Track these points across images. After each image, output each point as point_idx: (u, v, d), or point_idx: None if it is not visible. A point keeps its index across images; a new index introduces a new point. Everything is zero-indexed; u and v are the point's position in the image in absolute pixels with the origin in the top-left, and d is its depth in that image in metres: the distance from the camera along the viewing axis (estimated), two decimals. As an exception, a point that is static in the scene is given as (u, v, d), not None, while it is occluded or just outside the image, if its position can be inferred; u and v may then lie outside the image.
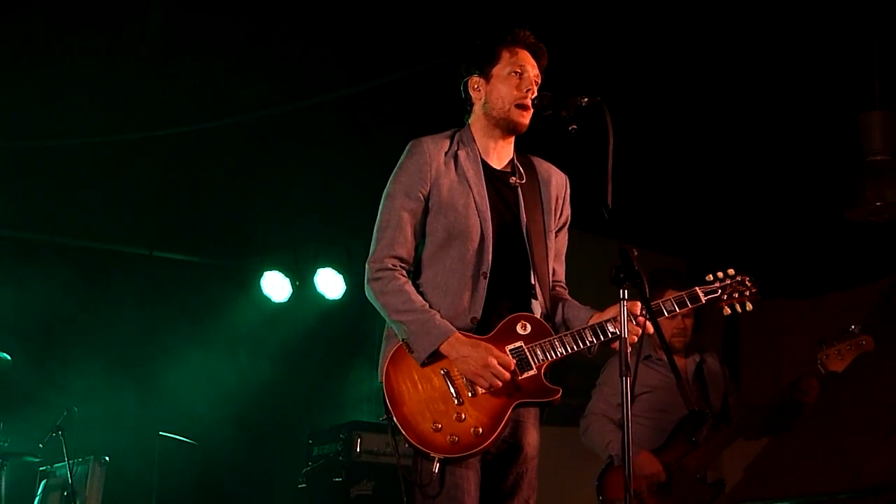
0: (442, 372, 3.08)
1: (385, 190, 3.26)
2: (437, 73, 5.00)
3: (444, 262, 3.18)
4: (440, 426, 3.02)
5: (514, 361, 3.08)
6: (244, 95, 6.03)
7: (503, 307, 3.17)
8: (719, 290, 3.26)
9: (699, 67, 5.57)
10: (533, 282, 3.24)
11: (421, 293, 3.16)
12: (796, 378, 4.59)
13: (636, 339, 2.99)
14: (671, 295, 3.25)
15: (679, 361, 4.89)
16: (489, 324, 3.14)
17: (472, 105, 3.35)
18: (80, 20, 5.26)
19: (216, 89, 5.93)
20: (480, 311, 3.14)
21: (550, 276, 3.31)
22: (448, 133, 3.33)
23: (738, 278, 3.29)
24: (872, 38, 4.94)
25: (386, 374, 3.11)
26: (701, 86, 5.75)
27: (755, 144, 6.30)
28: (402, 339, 3.11)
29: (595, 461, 5.00)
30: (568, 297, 3.36)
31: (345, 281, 7.78)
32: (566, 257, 3.45)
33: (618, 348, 2.83)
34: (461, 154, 3.26)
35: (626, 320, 2.79)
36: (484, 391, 3.05)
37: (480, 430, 3.02)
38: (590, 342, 3.12)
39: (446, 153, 3.25)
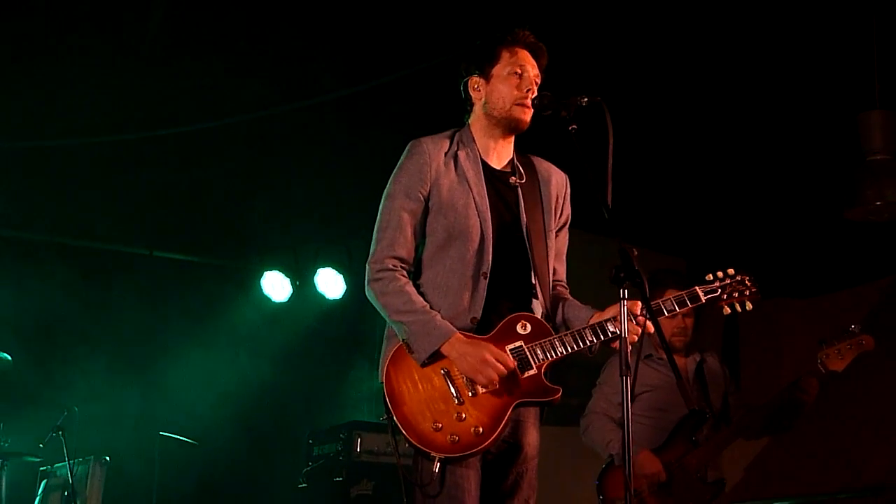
0: (442, 371, 3.08)
1: (385, 190, 3.26)
2: (437, 73, 5.00)
3: (445, 262, 3.18)
4: (440, 426, 3.02)
5: (513, 360, 3.07)
6: (244, 95, 6.03)
7: (503, 307, 3.17)
8: (719, 290, 3.27)
9: (699, 67, 5.57)
10: (533, 281, 3.24)
11: (421, 293, 3.16)
12: (796, 378, 4.60)
13: (636, 338, 2.99)
14: (672, 294, 3.26)
15: (679, 361, 4.90)
16: (489, 324, 3.14)
17: (472, 105, 3.35)
18: (80, 20, 5.25)
19: (216, 89, 5.93)
20: (480, 311, 3.14)
21: (551, 275, 3.31)
22: (448, 133, 3.33)
23: (738, 278, 3.29)
24: (872, 37, 4.94)
25: (386, 373, 3.11)
26: (701, 85, 5.75)
27: (755, 144, 6.30)
28: (403, 340, 3.11)
29: (595, 461, 5.00)
30: (569, 296, 3.36)
31: (345, 281, 7.78)
32: (566, 257, 3.45)
33: (618, 348, 2.83)
34: (461, 154, 3.26)
35: (626, 320, 2.79)
36: (484, 391, 3.05)
37: (481, 429, 3.02)
38: (590, 342, 3.12)
39: (446, 153, 3.25)
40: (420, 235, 3.22)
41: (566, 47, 4.02)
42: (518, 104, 3.23)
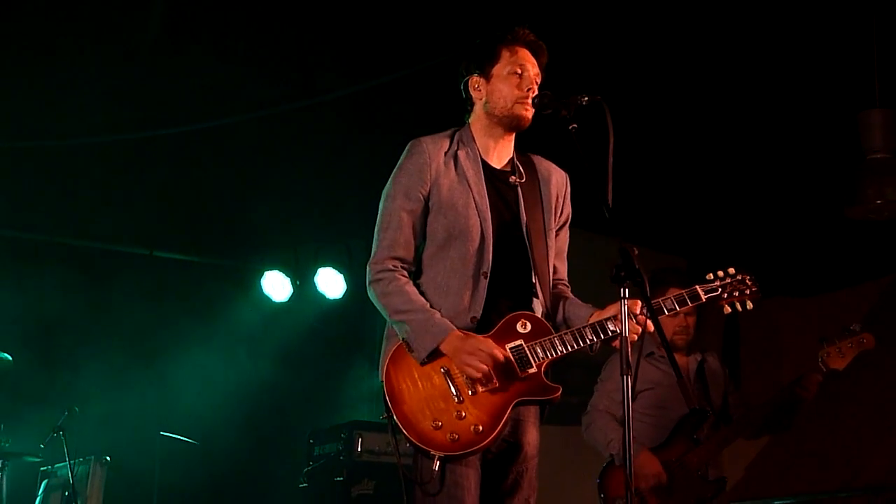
0: (442, 370, 3.08)
1: (385, 190, 3.26)
2: (438, 73, 4.99)
3: (445, 261, 3.18)
4: (440, 424, 3.02)
5: (505, 353, 3.07)
6: (244, 95, 6.03)
7: (504, 306, 3.17)
8: (719, 289, 3.26)
9: (699, 66, 5.57)
10: (533, 280, 3.24)
11: (422, 293, 3.16)
12: (797, 376, 4.60)
13: (636, 337, 2.99)
14: (674, 293, 3.26)
15: (681, 360, 4.90)
16: (490, 323, 3.14)
17: (472, 104, 3.34)
18: (80, 20, 5.26)
19: (216, 89, 5.93)
20: (481, 311, 3.14)
21: (551, 274, 3.31)
22: (448, 133, 3.33)
23: (739, 277, 3.29)
24: (872, 36, 4.94)
25: (386, 372, 3.11)
26: (701, 85, 5.75)
27: (756, 143, 6.30)
28: (403, 339, 3.11)
29: (596, 460, 5.00)
30: (570, 295, 3.36)
31: (345, 280, 7.78)
32: (567, 255, 3.45)
33: (618, 347, 2.83)
34: (461, 154, 3.26)
35: (626, 319, 2.79)
36: (484, 389, 3.05)
37: (480, 427, 3.02)
38: (590, 340, 3.12)
39: (446, 153, 3.25)
40: (420, 235, 3.22)
41: (566, 46, 4.02)
42: (518, 103, 3.23)
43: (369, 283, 3.19)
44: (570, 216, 3.43)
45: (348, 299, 7.75)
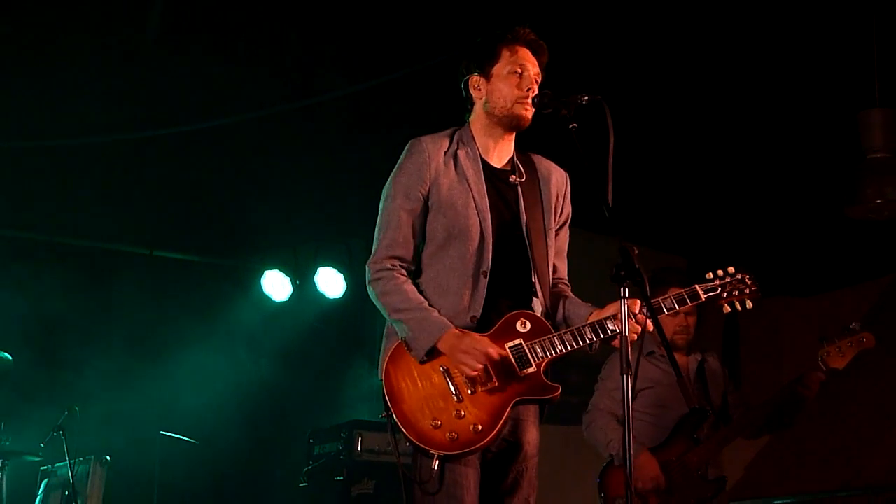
0: (441, 369, 3.08)
1: (384, 190, 3.26)
2: (438, 72, 5.00)
3: (445, 261, 3.18)
4: (439, 423, 3.02)
5: (500, 351, 3.06)
6: (244, 95, 6.03)
7: (503, 305, 3.17)
8: (719, 288, 3.26)
9: (699, 66, 5.57)
10: (533, 280, 3.24)
11: (422, 292, 3.16)
12: (797, 376, 4.60)
13: (636, 336, 2.99)
14: (674, 293, 3.26)
15: (681, 359, 4.90)
16: (489, 322, 3.14)
17: (472, 104, 3.34)
18: (80, 20, 5.26)
19: (216, 89, 5.93)
20: (480, 310, 3.14)
21: (551, 273, 3.31)
22: (448, 132, 3.33)
23: (738, 276, 3.28)
24: (872, 36, 4.94)
25: (386, 371, 3.11)
26: (701, 84, 5.75)
27: (755, 142, 6.30)
28: (402, 338, 3.11)
29: (596, 460, 5.00)
30: (570, 294, 3.35)
31: (345, 280, 7.78)
32: (567, 255, 3.45)
33: (618, 346, 2.83)
34: (461, 153, 3.26)
35: (626, 318, 2.79)
36: (483, 388, 3.05)
37: (480, 427, 3.02)
38: (589, 340, 3.11)
39: (446, 152, 3.25)
40: (420, 235, 3.22)
41: (567, 45, 4.02)
42: (518, 103, 3.22)
43: (368, 282, 3.20)
44: (571, 215, 3.42)
45: (348, 299, 7.75)
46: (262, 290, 7.93)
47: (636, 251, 2.79)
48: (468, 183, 3.22)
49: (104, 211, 7.12)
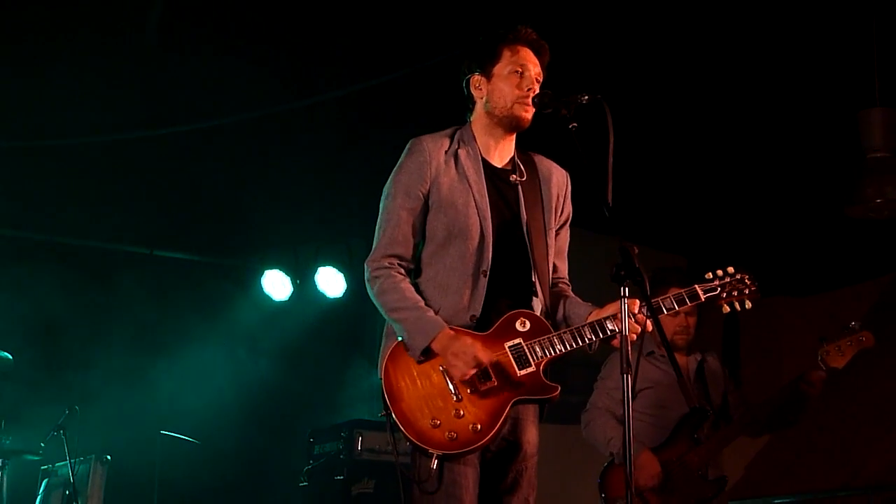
0: (441, 368, 3.08)
1: (385, 189, 3.26)
2: (438, 72, 5.00)
3: (445, 260, 3.18)
4: (438, 422, 3.03)
5: (490, 356, 3.05)
6: (244, 95, 6.03)
7: (503, 305, 3.17)
8: (719, 288, 3.26)
9: (699, 65, 5.57)
10: (533, 279, 3.24)
11: (421, 292, 3.16)
12: (799, 374, 4.60)
13: (636, 336, 2.99)
14: (675, 293, 3.26)
15: (681, 359, 4.90)
16: (489, 321, 3.14)
17: (473, 104, 3.34)
18: (79, 20, 5.26)
19: (216, 88, 5.93)
20: (480, 309, 3.14)
21: (551, 273, 3.31)
22: (448, 131, 3.33)
23: (738, 276, 3.28)
24: (872, 35, 4.94)
25: (385, 370, 3.11)
26: (701, 83, 5.75)
27: (755, 142, 6.30)
28: (400, 338, 3.12)
29: (596, 460, 5.00)
30: (570, 293, 3.36)
31: (345, 279, 7.78)
32: (567, 255, 3.45)
33: (618, 346, 2.83)
34: (461, 152, 3.26)
35: (626, 318, 2.79)
36: (483, 388, 3.05)
37: (479, 426, 3.02)
38: (588, 339, 3.12)
39: (446, 151, 3.25)
40: (420, 234, 3.22)
41: (567, 45, 4.02)
42: (518, 103, 3.23)
43: (367, 279, 3.21)
44: (571, 215, 3.42)
45: (348, 298, 7.75)
46: (262, 289, 7.93)
47: (636, 251, 2.79)
48: (469, 182, 3.22)
49: (104, 211, 7.12)
